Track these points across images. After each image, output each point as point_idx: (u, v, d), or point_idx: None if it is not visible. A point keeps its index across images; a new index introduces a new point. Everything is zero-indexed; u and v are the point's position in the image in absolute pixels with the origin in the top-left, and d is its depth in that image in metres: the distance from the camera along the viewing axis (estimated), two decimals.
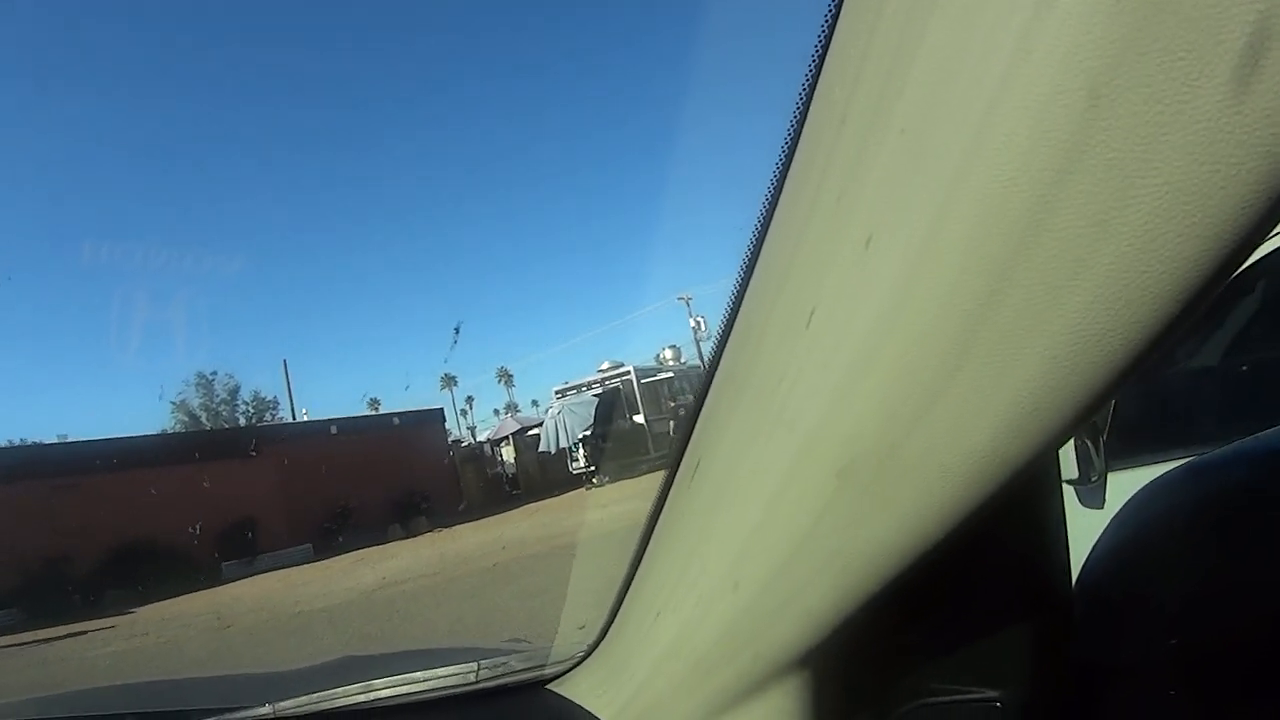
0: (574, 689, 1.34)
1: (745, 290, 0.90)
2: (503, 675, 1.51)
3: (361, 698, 1.56)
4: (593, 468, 26.25)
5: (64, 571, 18.25)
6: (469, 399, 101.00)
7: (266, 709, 1.60)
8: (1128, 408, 3.04)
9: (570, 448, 27.10)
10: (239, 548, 20.17)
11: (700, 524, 0.98)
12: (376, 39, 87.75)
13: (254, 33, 71.19)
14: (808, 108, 0.78)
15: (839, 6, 0.71)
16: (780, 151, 0.83)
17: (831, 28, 0.72)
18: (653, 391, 28.52)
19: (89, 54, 55.73)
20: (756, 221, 0.88)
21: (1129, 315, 0.49)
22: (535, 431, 30.88)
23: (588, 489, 25.36)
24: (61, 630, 14.26)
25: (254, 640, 11.24)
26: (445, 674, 1.56)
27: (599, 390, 28.46)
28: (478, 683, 1.51)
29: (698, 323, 38.48)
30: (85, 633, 13.97)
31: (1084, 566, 1.03)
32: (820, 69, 0.75)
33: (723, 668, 0.91)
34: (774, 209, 0.85)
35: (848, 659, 0.87)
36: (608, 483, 24.92)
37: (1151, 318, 0.49)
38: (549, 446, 27.79)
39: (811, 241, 0.75)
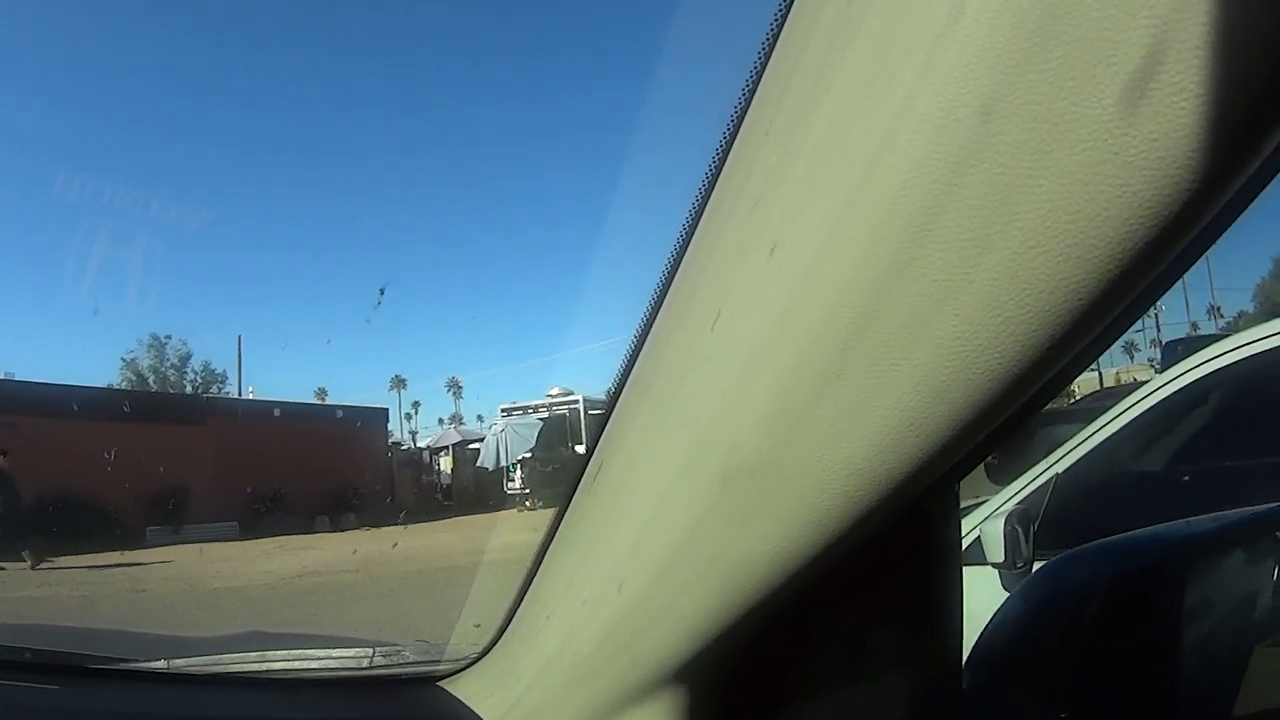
0: (464, 688, 1.33)
1: (664, 294, 0.91)
2: (396, 666, 1.53)
3: (256, 666, 1.56)
4: (528, 490, 25.73)
5: None
6: (415, 404, 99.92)
7: (161, 664, 1.60)
8: (1064, 499, 3.04)
9: (509, 467, 26.82)
10: (166, 515, 19.63)
11: (595, 526, 0.98)
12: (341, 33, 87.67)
13: None
14: (742, 118, 0.79)
15: (779, 26, 0.72)
16: (706, 167, 0.84)
17: (771, 44, 0.74)
18: (599, 424, 27.97)
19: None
20: (681, 226, 0.89)
21: (1006, 332, 0.49)
22: (476, 446, 30.69)
23: (520, 511, 24.87)
24: None
25: (166, 609, 10.97)
26: (340, 656, 1.58)
27: (545, 414, 28.17)
28: (370, 668, 1.53)
29: None
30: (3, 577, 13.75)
31: (979, 638, 1.02)
32: (758, 82, 0.77)
33: (602, 673, 0.90)
34: (699, 215, 0.86)
35: (728, 684, 0.86)
36: (540, 508, 24.01)
37: (1028, 337, 0.49)
38: (488, 463, 27.64)
39: (724, 249, 0.77)
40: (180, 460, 19.41)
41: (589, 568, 0.95)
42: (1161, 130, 0.41)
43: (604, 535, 0.94)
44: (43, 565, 14.95)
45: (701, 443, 0.72)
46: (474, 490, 29.10)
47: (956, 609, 0.91)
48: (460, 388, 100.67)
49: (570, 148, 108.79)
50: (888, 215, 0.52)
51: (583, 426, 27.19)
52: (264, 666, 1.56)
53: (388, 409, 36.25)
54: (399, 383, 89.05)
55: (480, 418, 71.83)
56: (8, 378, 25.57)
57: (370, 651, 1.57)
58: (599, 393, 29.79)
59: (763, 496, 0.66)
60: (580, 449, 25.82)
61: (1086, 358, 0.59)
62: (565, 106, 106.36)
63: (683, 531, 0.74)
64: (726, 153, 0.81)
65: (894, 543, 0.65)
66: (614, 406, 1.00)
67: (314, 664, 1.58)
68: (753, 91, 0.77)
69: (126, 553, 16.19)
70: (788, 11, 0.71)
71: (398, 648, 1.62)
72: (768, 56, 0.75)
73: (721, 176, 0.82)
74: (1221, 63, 0.39)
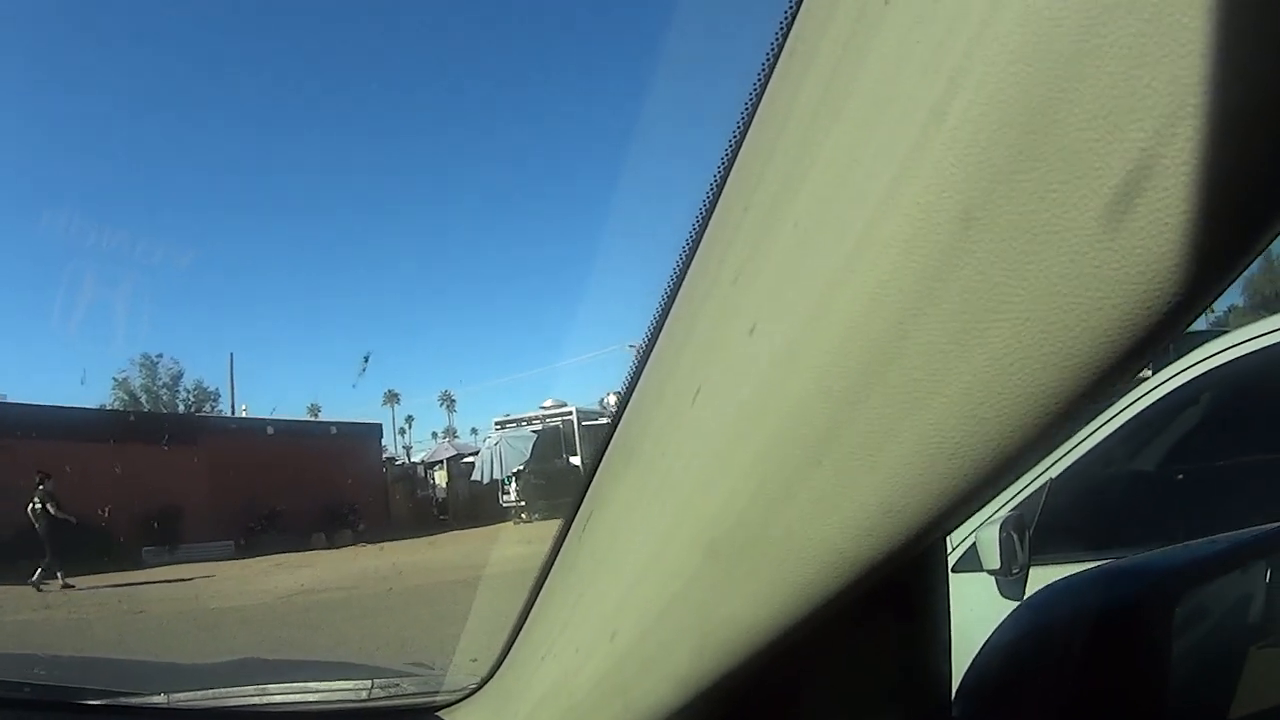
0: (462, 719, 1.33)
1: (647, 359, 0.91)
2: (395, 697, 1.52)
3: (256, 700, 1.56)
4: (523, 503, 25.62)
5: None
6: (409, 418, 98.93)
7: (161, 698, 1.60)
8: (1058, 504, 2.98)
9: (503, 480, 26.64)
10: (162, 535, 19.68)
11: (586, 574, 0.98)
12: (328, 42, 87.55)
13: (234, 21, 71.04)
14: (720, 191, 0.79)
15: (759, 95, 0.72)
16: (690, 230, 0.84)
17: (749, 120, 0.74)
18: (593, 435, 27.40)
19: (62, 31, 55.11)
20: (662, 294, 0.89)
21: (982, 433, 0.49)
22: (471, 459, 30.52)
23: (515, 523, 24.86)
24: None
25: (164, 630, 11.01)
26: (339, 688, 1.59)
27: (539, 426, 28.19)
28: (369, 700, 1.52)
29: None
30: None
31: (970, 667, 1.02)
32: (735, 155, 0.77)
33: (595, 717, 0.90)
34: (681, 279, 0.86)
35: None
36: (536, 520, 24.08)
37: (1004, 440, 0.49)
38: (482, 476, 27.50)
39: (705, 322, 0.77)
40: (175, 480, 19.38)
41: (580, 615, 0.96)
42: (1144, 246, 0.41)
43: (595, 584, 0.95)
44: (45, 588, 14.94)
45: (684, 513, 0.74)
46: (469, 504, 28.97)
47: (945, 640, 0.92)
48: (454, 401, 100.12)
49: (567, 162, 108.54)
50: (866, 312, 0.52)
51: (577, 438, 27.19)
52: (264, 700, 1.57)
53: (381, 424, 35.86)
54: (392, 397, 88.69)
55: (474, 430, 71.57)
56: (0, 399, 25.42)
57: (369, 683, 1.58)
58: (593, 404, 29.81)
59: (743, 570, 0.67)
60: (575, 460, 25.73)
61: (1059, 440, 0.61)
62: (560, 125, 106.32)
63: (669, 593, 0.75)
64: (706, 222, 0.82)
65: (882, 582, 0.63)
66: (600, 460, 1.01)
67: (313, 696, 1.59)
68: (732, 160, 0.78)
69: (122, 574, 16.18)
70: (767, 81, 0.72)
71: (396, 680, 1.62)
72: (747, 127, 0.75)
73: (703, 246, 0.83)
74: (1206, 185, 0.39)
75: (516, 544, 17.37)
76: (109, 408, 32.53)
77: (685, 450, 0.75)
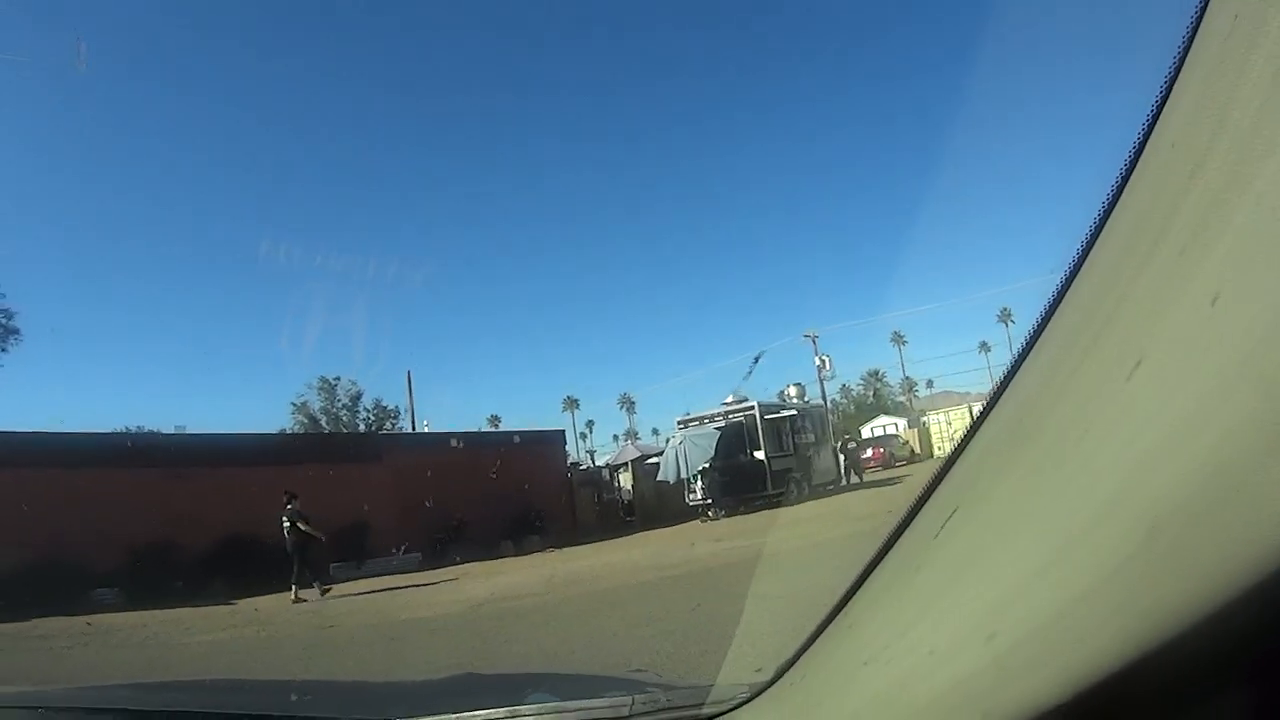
0: None
1: (1039, 335, 0.93)
2: (658, 710, 1.51)
3: None
4: (709, 500, 25.83)
5: (169, 558, 18.58)
6: (589, 423, 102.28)
7: None
8: None
9: (689, 479, 26.55)
10: (349, 550, 20.22)
11: (947, 575, 0.97)
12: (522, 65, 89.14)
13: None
14: (1138, 157, 0.81)
15: (1184, 56, 0.73)
16: (1108, 192, 0.84)
17: (1172, 82, 0.76)
18: (775, 428, 27.90)
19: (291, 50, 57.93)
20: (1070, 262, 0.89)
21: None
22: (654, 460, 30.63)
23: (702, 521, 24.94)
24: (160, 614, 14.34)
25: (355, 643, 11.03)
26: (596, 705, 1.58)
27: (721, 423, 27.85)
28: (631, 716, 1.50)
29: (822, 361, 37.77)
30: (183, 619, 13.97)
31: None
32: (1155, 123, 0.78)
33: None
34: (1084, 258, 0.87)
35: None
36: (723, 516, 24.67)
37: None
38: (668, 476, 27.32)
39: (1145, 290, 0.75)
40: (360, 496, 19.77)
41: (936, 618, 0.94)
42: None
43: (963, 586, 0.92)
44: (225, 604, 15.85)
45: (1119, 496, 0.70)
46: (656, 504, 28.88)
47: None
48: (632, 403, 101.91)
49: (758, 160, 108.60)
50: None
51: (760, 433, 27.26)
52: None
53: (564, 430, 36.09)
54: (572, 403, 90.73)
55: (655, 431, 72.58)
56: (180, 430, 26.71)
57: (629, 699, 1.54)
58: (772, 396, 29.36)
59: (1189, 552, 0.62)
60: (760, 454, 25.70)
61: None
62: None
63: (1086, 584, 0.72)
64: (1120, 190, 0.83)
65: None
66: (965, 450, 1.01)
67: (570, 715, 1.58)
68: (1147, 134, 0.80)
69: (311, 590, 16.83)
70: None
71: (656, 693, 1.59)
72: (1162, 104, 0.78)
73: (1123, 213, 0.83)
74: None
75: (708, 541, 17.15)
76: (289, 431, 33.80)
77: (1120, 430, 0.73)
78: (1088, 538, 0.73)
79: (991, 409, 0.98)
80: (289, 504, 17.84)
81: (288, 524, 17.59)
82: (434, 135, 72.88)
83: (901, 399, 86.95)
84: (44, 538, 16.62)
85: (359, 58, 70.71)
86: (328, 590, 17.03)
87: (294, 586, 16.78)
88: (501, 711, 1.57)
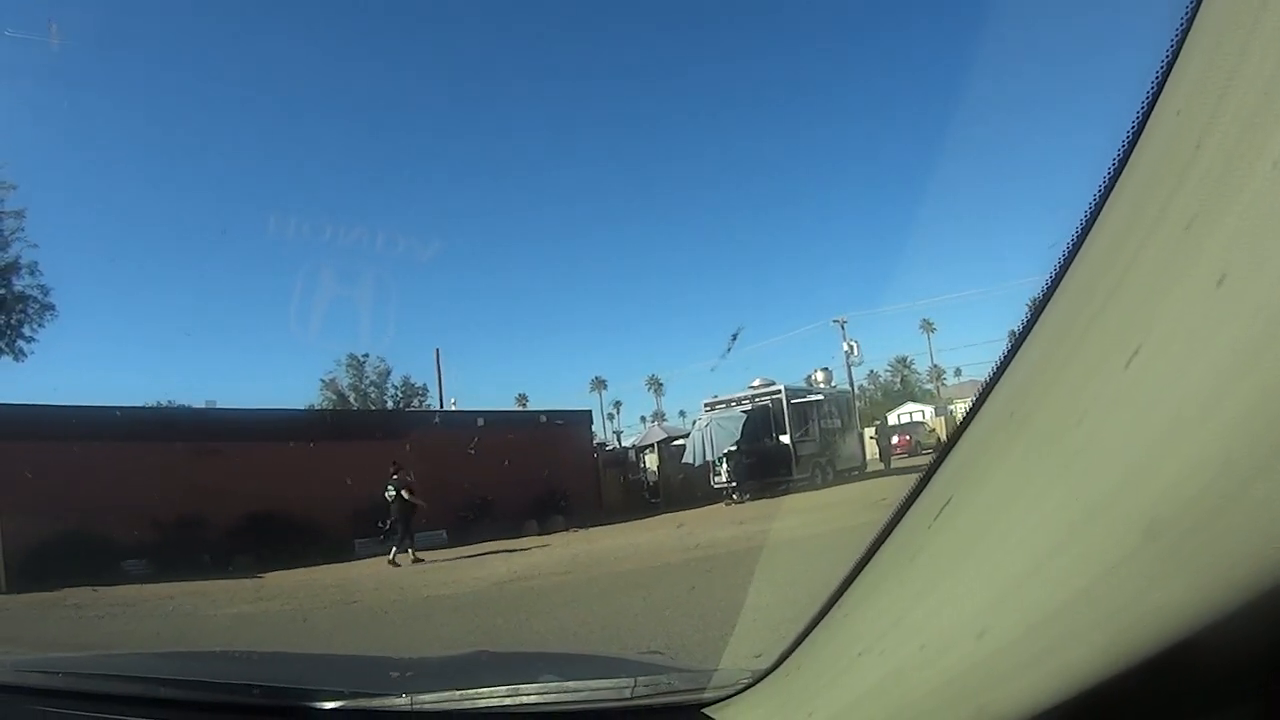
0: (733, 717, 1.36)
1: (1037, 319, 0.89)
2: (658, 694, 1.50)
3: (508, 700, 1.55)
4: (734, 483, 25.79)
5: (198, 531, 18.97)
6: (616, 403, 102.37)
7: (404, 700, 1.60)
8: None
9: (714, 461, 26.51)
10: (374, 527, 20.16)
11: (940, 566, 0.95)
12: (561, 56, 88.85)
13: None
14: (1142, 126, 0.77)
15: (1190, 20, 0.70)
16: (1110, 164, 0.80)
17: (1178, 46, 0.72)
18: (801, 412, 27.92)
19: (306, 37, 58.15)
20: (1068, 242, 0.85)
21: None
22: (680, 442, 30.67)
23: (727, 504, 24.89)
24: (188, 586, 14.50)
25: (378, 619, 11.10)
26: (598, 686, 1.59)
27: (748, 406, 27.83)
28: (632, 699, 1.50)
29: (851, 346, 37.62)
30: (211, 591, 14.15)
31: None
32: (1160, 90, 0.75)
33: (933, 718, 0.88)
34: (1084, 236, 0.83)
35: None
36: (748, 500, 24.56)
37: None
38: (693, 458, 27.25)
39: (1146, 269, 0.72)
40: (386, 473, 19.56)
41: (928, 611, 0.93)
42: None
43: (956, 578, 0.90)
44: (252, 578, 16.04)
45: (1116, 493, 0.68)
46: (681, 486, 28.84)
47: None
48: (660, 385, 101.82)
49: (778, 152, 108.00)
50: None
51: (786, 417, 27.21)
52: (516, 700, 1.55)
53: (591, 411, 36.36)
54: (599, 384, 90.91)
55: (682, 413, 72.60)
56: (210, 405, 26.93)
57: (631, 681, 1.54)
58: (800, 381, 29.28)
59: (1191, 553, 0.60)
60: (785, 439, 25.68)
61: None
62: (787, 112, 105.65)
63: (1081, 583, 0.70)
64: (1121, 165, 0.80)
65: None
66: (961, 438, 0.99)
67: (570, 695, 1.59)
68: (1151, 105, 0.76)
69: (335, 565, 17.19)
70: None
71: (658, 676, 1.60)
72: (1167, 72, 0.74)
73: (1124, 189, 0.80)
74: None
75: (732, 525, 17.43)
76: (317, 408, 34.02)
77: (1116, 419, 0.71)
78: (1080, 536, 0.71)
79: (987, 396, 0.95)
80: (395, 474, 18.62)
81: (393, 492, 18.36)
82: (466, 120, 72.64)
83: (929, 386, 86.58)
84: (76, 510, 16.92)
85: (407, 50, 70.59)
86: (419, 560, 17.70)
87: (393, 550, 17.62)
88: (503, 689, 1.57)
